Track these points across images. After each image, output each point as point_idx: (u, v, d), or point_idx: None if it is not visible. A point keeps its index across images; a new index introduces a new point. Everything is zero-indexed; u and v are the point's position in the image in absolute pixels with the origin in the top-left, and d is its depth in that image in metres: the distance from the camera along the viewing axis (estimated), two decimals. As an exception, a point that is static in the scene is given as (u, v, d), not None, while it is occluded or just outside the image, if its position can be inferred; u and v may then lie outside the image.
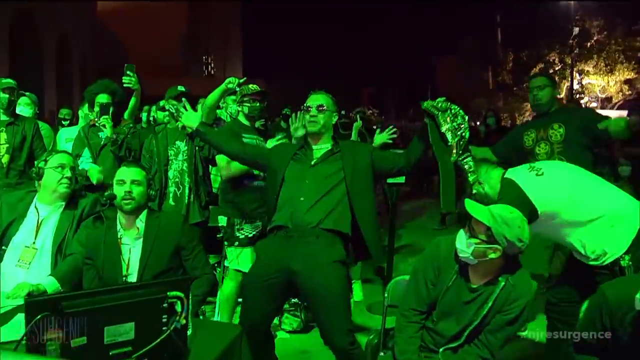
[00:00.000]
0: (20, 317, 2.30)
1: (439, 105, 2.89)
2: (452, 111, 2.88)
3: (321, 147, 3.21)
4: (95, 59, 24.69)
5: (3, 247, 3.05)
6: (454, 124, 2.87)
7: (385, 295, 2.98)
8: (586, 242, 2.99)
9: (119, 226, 2.94)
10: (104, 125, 4.32)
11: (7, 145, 4.52)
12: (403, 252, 7.00)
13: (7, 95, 4.53)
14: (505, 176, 3.09)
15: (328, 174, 3.09)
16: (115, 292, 1.78)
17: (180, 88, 4.25)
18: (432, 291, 2.68)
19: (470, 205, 2.53)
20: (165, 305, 1.80)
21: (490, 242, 2.47)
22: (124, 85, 4.43)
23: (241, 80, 4.05)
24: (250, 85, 4.09)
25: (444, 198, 2.89)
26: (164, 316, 1.81)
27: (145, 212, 2.98)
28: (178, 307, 1.82)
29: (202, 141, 3.88)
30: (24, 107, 5.21)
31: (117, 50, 27.67)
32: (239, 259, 4.01)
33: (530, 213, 2.87)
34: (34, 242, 3.03)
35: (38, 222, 3.09)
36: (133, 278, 2.82)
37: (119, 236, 2.92)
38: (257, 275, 3.08)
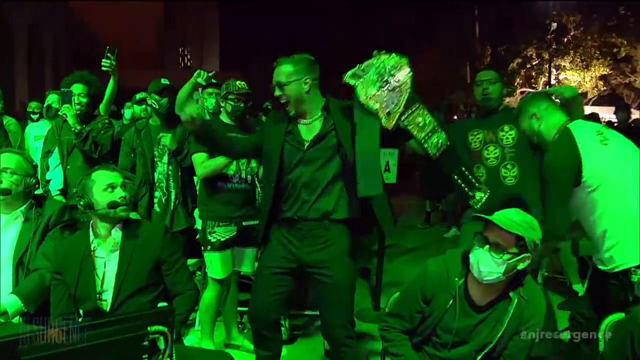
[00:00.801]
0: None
1: (359, 69, 2.63)
2: (377, 68, 2.60)
3: (310, 123, 2.88)
4: (68, 50, 24.14)
5: None
6: (380, 83, 2.59)
7: (387, 309, 2.74)
8: (609, 236, 2.76)
9: (92, 237, 2.62)
10: (64, 114, 3.99)
11: None
12: (388, 252, 6.75)
13: None
14: (567, 126, 2.86)
15: (325, 158, 2.83)
16: (83, 331, 1.49)
17: (164, 81, 3.97)
18: (416, 319, 2.50)
19: (498, 219, 2.26)
20: (146, 343, 1.52)
21: (521, 252, 2.24)
22: (102, 68, 4.15)
23: (210, 74, 3.77)
24: (237, 82, 3.82)
25: (364, 182, 2.64)
26: (144, 356, 1.53)
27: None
28: (161, 344, 1.55)
29: (198, 138, 3.35)
30: None
31: (91, 40, 27.11)
32: (212, 266, 3.80)
33: (575, 176, 2.71)
34: (-8, 255, 2.71)
35: None
36: (108, 295, 2.53)
37: (92, 248, 2.60)
38: (266, 266, 2.98)
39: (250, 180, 3.87)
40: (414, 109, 2.63)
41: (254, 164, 3.84)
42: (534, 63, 28.52)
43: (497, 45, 30.46)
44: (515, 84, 27.00)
